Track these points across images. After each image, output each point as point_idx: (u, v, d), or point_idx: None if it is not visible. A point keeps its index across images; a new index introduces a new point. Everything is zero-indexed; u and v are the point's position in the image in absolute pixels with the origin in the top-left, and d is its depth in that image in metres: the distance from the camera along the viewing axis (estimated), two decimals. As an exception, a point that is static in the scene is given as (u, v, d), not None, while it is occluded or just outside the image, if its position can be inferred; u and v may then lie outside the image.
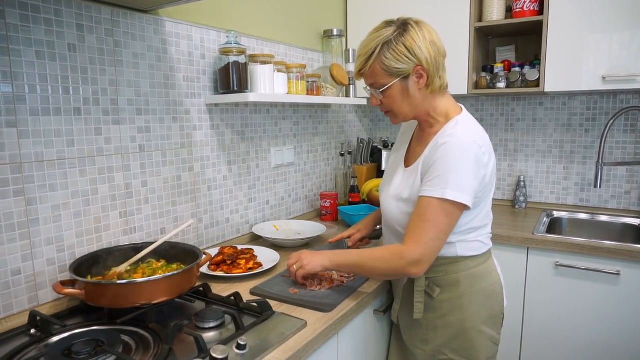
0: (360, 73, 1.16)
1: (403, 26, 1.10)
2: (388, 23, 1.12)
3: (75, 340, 0.93)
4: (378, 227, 1.55)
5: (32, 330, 1.04)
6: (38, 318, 1.04)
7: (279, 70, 1.63)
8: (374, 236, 1.55)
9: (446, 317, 1.18)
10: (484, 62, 2.28)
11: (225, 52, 1.49)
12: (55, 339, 1.00)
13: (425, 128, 1.22)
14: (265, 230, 1.77)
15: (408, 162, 1.24)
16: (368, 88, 1.19)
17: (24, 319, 1.06)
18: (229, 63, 1.49)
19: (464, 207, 1.07)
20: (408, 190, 1.17)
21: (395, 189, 1.22)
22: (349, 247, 1.51)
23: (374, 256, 1.15)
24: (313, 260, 1.21)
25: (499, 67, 2.14)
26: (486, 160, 1.09)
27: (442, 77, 1.15)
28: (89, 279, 1.11)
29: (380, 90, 1.14)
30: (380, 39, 1.09)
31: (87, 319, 1.10)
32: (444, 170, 1.05)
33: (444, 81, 1.16)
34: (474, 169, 1.06)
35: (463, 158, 1.05)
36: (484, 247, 1.21)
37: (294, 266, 1.23)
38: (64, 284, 1.06)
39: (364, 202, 2.16)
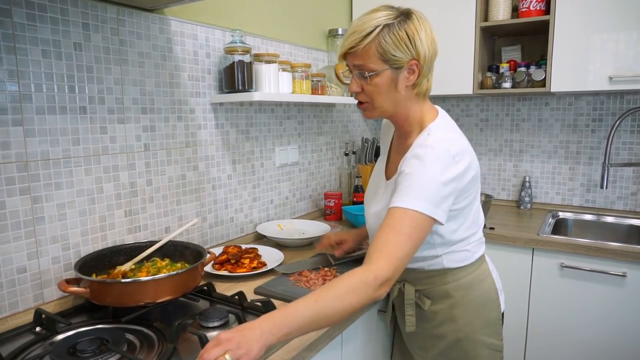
0: (350, 51, 1.03)
1: (406, 14, 1.02)
2: (389, 7, 1.03)
3: (80, 339, 0.93)
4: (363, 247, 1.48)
5: (37, 328, 1.04)
6: (43, 316, 1.04)
7: (283, 70, 1.63)
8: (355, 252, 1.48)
9: (440, 328, 1.15)
10: (489, 62, 2.27)
11: (230, 51, 1.49)
12: (60, 337, 1.00)
13: (402, 136, 1.14)
14: (270, 229, 1.77)
15: (388, 173, 1.18)
16: (349, 71, 1.07)
17: (29, 317, 1.07)
18: (233, 62, 1.49)
19: (434, 222, 0.97)
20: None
21: (377, 205, 1.15)
22: (335, 259, 1.43)
23: (339, 291, 0.86)
24: (247, 342, 0.76)
25: (504, 67, 2.12)
26: (462, 170, 1.00)
27: (429, 80, 1.07)
28: (93, 277, 1.11)
29: (369, 74, 1.03)
30: (382, 20, 0.99)
31: (91, 318, 1.11)
32: (414, 181, 0.97)
33: (429, 85, 1.08)
34: (446, 182, 0.97)
35: (434, 170, 0.96)
36: (473, 255, 1.15)
37: (227, 356, 0.74)
38: (69, 282, 1.06)
39: (368, 201, 2.15)
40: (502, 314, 1.20)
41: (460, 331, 1.13)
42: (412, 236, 0.94)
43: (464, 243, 1.12)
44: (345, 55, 1.06)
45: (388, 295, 1.32)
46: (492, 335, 1.17)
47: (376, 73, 1.02)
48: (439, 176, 0.97)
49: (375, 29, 0.99)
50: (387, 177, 1.17)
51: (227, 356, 0.74)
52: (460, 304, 1.13)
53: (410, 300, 1.16)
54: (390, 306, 1.28)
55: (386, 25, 0.99)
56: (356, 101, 1.11)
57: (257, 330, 0.78)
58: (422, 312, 1.17)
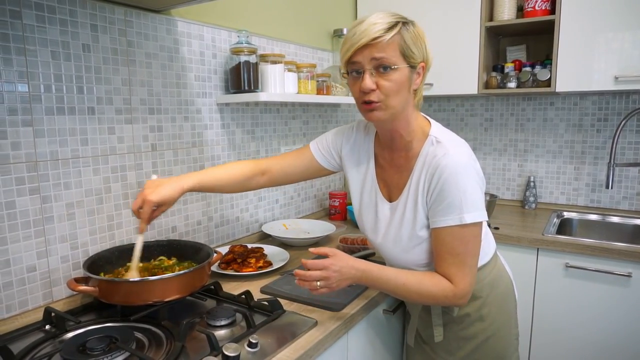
0: (372, 42, 0.93)
1: (411, 21, 1.00)
2: (391, 14, 0.99)
3: (89, 337, 0.94)
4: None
5: (47, 327, 1.05)
6: (53, 314, 1.06)
7: (289, 70, 1.63)
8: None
9: (469, 329, 1.16)
10: (494, 62, 2.27)
11: (236, 51, 1.50)
12: (69, 335, 1.02)
13: (400, 149, 1.09)
14: (275, 229, 1.78)
15: (390, 194, 1.13)
16: (360, 70, 0.97)
17: (38, 315, 1.08)
18: (239, 62, 1.50)
19: (482, 224, 1.03)
20: (410, 227, 1.07)
21: (396, 232, 1.10)
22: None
23: (422, 291, 1.02)
24: (339, 284, 1.01)
25: (509, 67, 2.12)
26: (479, 166, 1.04)
27: (421, 90, 1.06)
28: (102, 276, 1.12)
29: (390, 67, 0.95)
30: (399, 18, 0.97)
31: (100, 316, 1.12)
32: (453, 195, 0.97)
33: (422, 95, 1.07)
34: (477, 182, 1.00)
35: (466, 176, 0.98)
36: (489, 252, 1.17)
37: (319, 283, 0.99)
38: (77, 281, 1.07)
39: (372, 201, 2.16)
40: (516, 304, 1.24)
41: (488, 329, 1.15)
42: (477, 247, 1.03)
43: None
44: (358, 50, 0.95)
45: (408, 312, 1.32)
46: (513, 325, 1.21)
47: (397, 68, 0.96)
48: (474, 182, 0.99)
49: (398, 23, 0.95)
50: (389, 198, 1.13)
51: (318, 283, 0.98)
52: (487, 303, 1.14)
53: (437, 311, 1.16)
54: (414, 321, 1.26)
55: (405, 22, 0.97)
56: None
57: (353, 279, 1.02)
58: (449, 317, 1.17)
